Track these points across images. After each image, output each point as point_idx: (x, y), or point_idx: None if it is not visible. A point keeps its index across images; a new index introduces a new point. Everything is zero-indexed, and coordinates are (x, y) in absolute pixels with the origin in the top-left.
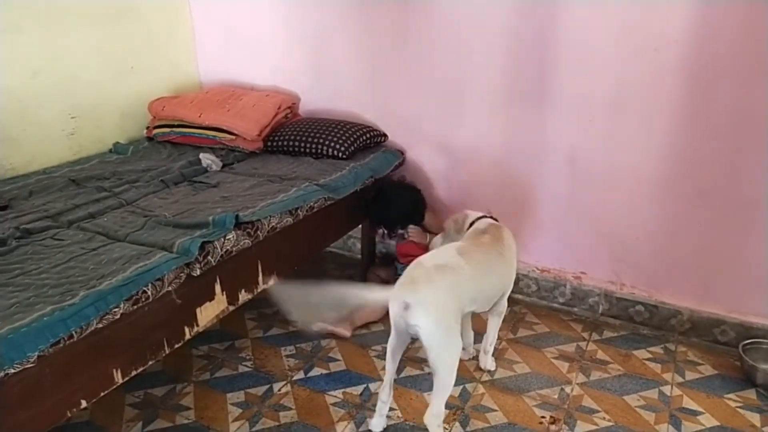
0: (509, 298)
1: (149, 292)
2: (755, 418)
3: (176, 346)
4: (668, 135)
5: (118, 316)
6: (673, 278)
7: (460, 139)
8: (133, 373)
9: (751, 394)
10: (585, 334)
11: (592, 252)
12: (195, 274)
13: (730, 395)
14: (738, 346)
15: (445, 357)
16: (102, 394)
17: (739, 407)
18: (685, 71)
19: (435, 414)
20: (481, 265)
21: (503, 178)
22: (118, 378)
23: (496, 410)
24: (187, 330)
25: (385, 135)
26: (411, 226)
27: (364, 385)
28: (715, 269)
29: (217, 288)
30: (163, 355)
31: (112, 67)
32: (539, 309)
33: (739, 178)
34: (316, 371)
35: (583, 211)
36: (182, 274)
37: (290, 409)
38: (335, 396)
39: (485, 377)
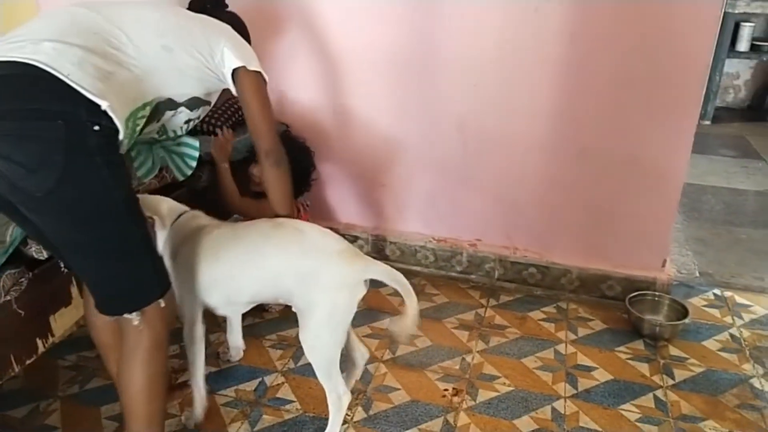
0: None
1: None
2: (644, 368)
3: (28, 362)
4: (551, 96)
5: None
6: (562, 238)
7: (347, 107)
8: None
9: (639, 345)
10: (483, 301)
11: (487, 218)
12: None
13: (621, 348)
14: (624, 299)
15: None
16: None
17: (629, 359)
18: (565, 32)
19: None
20: None
21: (394, 147)
22: None
23: (398, 389)
24: (39, 343)
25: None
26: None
27: (259, 380)
28: (600, 227)
29: (74, 291)
30: (13, 374)
31: None
32: (437, 279)
33: (618, 136)
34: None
35: (475, 178)
36: (23, 279)
37: (176, 416)
38: (227, 395)
39: (387, 356)
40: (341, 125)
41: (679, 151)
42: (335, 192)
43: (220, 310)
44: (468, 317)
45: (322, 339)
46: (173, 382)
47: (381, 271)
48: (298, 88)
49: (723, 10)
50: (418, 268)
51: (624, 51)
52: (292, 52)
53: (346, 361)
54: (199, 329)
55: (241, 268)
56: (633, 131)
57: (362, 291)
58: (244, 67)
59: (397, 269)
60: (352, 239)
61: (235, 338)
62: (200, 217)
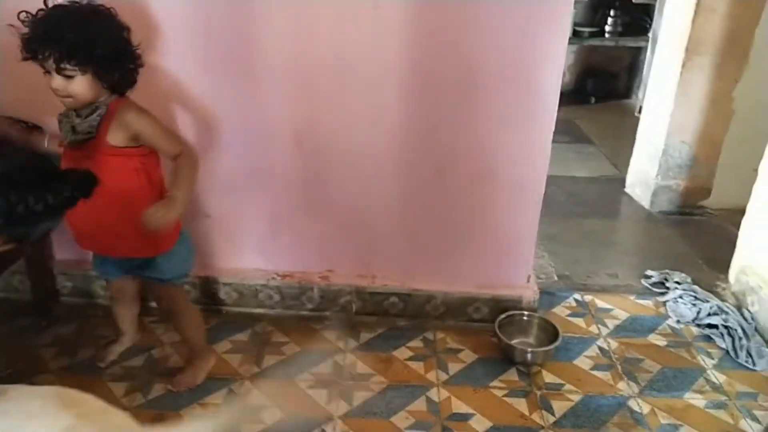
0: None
1: None
2: (522, 405)
3: None
4: (399, 106)
5: None
6: (423, 262)
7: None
8: None
9: (512, 375)
10: (341, 344)
11: (338, 246)
12: None
13: (495, 382)
14: (493, 321)
15: None
16: None
17: (506, 395)
18: (407, 32)
19: None
20: None
21: (218, 168)
22: None
23: None
24: None
25: (37, 127)
26: None
27: None
28: (462, 246)
29: None
30: None
31: None
32: (287, 321)
33: (473, 147)
34: None
35: (321, 200)
36: None
37: None
38: None
39: None
40: None
41: (537, 160)
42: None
43: None
44: (325, 370)
45: None
46: None
47: None
48: None
49: (572, 5)
50: (261, 311)
51: (472, 52)
52: None
53: None
54: None
55: None
56: (487, 141)
57: None
58: None
59: (237, 314)
60: None
61: None
62: None
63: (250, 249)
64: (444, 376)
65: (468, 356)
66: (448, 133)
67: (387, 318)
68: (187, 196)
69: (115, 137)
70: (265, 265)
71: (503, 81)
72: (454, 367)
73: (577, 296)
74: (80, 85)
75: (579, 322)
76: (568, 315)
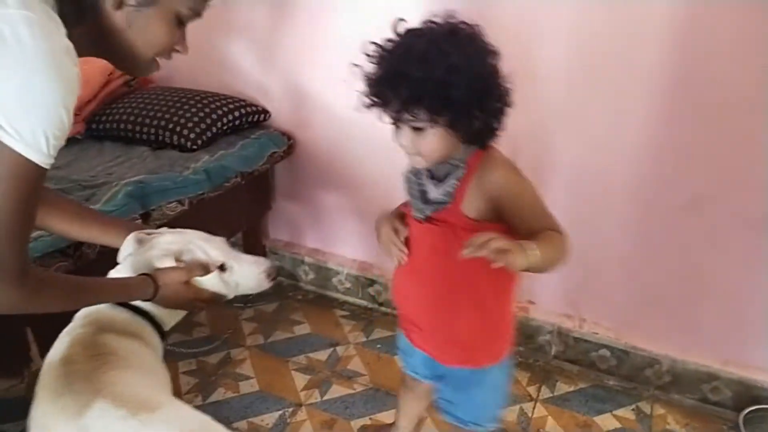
0: None
1: None
2: None
3: None
4: (644, 121)
5: None
6: (649, 315)
7: (369, 123)
8: None
9: None
10: (532, 390)
11: (543, 275)
12: None
13: None
14: (736, 409)
15: None
16: None
17: None
18: (673, 27)
19: None
20: None
21: None
22: None
23: None
24: None
25: (265, 112)
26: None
27: None
28: (707, 306)
29: None
30: None
31: None
32: None
33: (740, 184)
34: None
35: None
36: None
37: None
38: None
39: None
40: (356, 140)
41: None
42: (344, 223)
43: None
44: (509, 416)
45: None
46: None
47: None
48: (306, 87)
49: None
50: None
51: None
52: (309, 37)
53: None
54: None
55: None
56: (762, 177)
57: None
58: None
59: None
60: (369, 282)
61: None
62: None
63: None
64: None
65: None
66: (706, 160)
67: (592, 372)
68: (543, 260)
69: (470, 205)
70: None
71: None
72: None
73: None
74: (431, 141)
75: None
76: None
